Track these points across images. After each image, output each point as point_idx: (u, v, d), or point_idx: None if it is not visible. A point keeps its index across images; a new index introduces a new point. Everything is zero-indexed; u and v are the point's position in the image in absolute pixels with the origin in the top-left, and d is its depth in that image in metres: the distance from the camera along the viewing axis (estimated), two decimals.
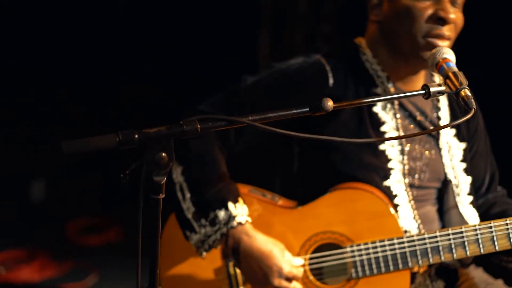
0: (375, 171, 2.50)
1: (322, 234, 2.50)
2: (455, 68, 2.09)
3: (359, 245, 2.46)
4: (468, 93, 1.97)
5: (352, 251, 2.47)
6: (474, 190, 2.67)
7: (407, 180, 2.53)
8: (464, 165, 2.63)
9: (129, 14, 5.82)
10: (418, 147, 2.56)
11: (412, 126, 2.56)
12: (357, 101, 1.94)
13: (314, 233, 2.50)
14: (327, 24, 5.72)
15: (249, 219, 2.45)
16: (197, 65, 5.67)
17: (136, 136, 1.64)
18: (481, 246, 2.41)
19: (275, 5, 5.75)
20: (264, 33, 5.75)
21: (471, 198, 2.64)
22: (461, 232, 2.42)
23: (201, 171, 2.48)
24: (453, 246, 2.42)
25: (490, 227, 2.41)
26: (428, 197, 2.59)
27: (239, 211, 2.43)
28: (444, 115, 2.63)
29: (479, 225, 2.42)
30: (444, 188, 2.60)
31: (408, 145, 2.54)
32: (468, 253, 2.42)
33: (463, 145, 2.64)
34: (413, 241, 2.43)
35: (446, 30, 2.44)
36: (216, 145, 2.51)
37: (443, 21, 2.42)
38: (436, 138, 2.60)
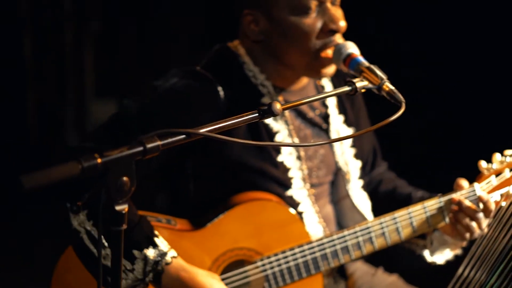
0: (277, 182, 2.43)
1: (230, 252, 2.39)
2: (367, 63, 2.10)
3: (269, 257, 2.39)
4: (391, 87, 1.98)
5: (263, 265, 2.38)
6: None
7: (308, 185, 2.50)
8: (353, 150, 2.63)
9: None
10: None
11: (303, 126, 2.51)
12: (300, 101, 1.85)
13: (221, 252, 2.38)
14: (96, 22, 5.70)
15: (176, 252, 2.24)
16: None
17: (99, 160, 1.43)
18: (387, 238, 2.45)
19: (36, 8, 5.60)
20: (27, 37, 5.58)
21: (361, 182, 2.66)
22: (368, 228, 2.43)
23: None
24: (361, 243, 2.43)
25: (395, 218, 2.44)
26: (324, 193, 2.57)
27: (166, 244, 2.21)
28: (331, 102, 2.61)
29: (383, 217, 2.45)
30: (336, 179, 2.60)
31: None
32: (376, 247, 2.44)
33: (351, 131, 2.61)
34: (323, 244, 2.41)
35: (338, 38, 2.35)
36: None
37: (335, 32, 2.34)
38: (326, 130, 2.57)
